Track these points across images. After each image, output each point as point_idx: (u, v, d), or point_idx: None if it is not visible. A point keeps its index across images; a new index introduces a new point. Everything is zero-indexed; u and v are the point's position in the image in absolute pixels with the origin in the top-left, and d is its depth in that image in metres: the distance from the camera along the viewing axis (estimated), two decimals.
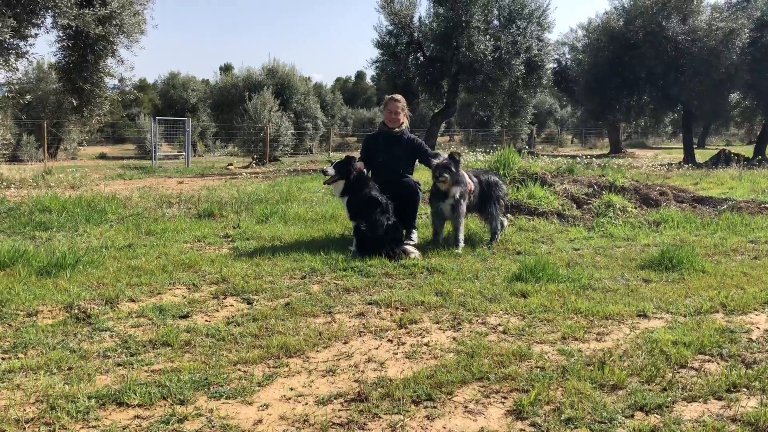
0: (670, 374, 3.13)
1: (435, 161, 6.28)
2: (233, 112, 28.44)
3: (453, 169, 6.21)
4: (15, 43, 12.07)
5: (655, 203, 8.89)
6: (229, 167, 21.52)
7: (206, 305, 4.38)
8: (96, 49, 12.88)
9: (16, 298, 4.40)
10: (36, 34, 12.51)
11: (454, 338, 3.70)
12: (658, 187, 9.76)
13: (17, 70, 12.88)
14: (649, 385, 3.01)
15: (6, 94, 12.81)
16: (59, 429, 2.57)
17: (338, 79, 67.04)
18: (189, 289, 4.84)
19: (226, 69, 45.20)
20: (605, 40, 25.14)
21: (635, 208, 8.57)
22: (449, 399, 2.87)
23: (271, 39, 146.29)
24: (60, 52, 13.34)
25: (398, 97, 6.84)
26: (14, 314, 4.12)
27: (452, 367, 3.18)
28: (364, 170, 6.52)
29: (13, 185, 12.34)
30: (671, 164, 20.08)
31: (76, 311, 4.16)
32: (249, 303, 4.46)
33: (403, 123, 6.79)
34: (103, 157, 31.71)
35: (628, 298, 4.54)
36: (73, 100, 13.36)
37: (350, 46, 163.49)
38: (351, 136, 43.22)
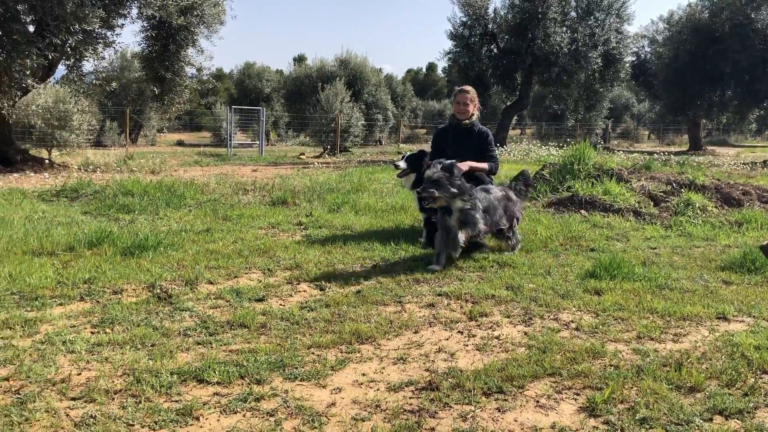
0: (752, 379, 3.02)
1: (427, 173, 5.39)
2: (306, 102, 28.90)
3: (446, 182, 5.21)
4: (103, 32, 12.68)
5: (737, 203, 8.53)
6: (301, 157, 21.89)
7: (281, 290, 4.50)
8: (177, 39, 13.36)
9: (103, 277, 4.65)
10: (122, 25, 13.10)
11: (525, 333, 3.68)
12: (740, 187, 9.35)
13: (104, 58, 13.53)
14: (729, 389, 2.92)
15: (94, 81, 13.45)
16: (144, 401, 2.70)
17: (409, 71, 67.08)
18: (264, 273, 4.98)
19: (299, 60, 45.88)
20: (688, 33, 24.25)
21: (716, 207, 8.25)
22: (520, 393, 2.87)
23: (344, 30, 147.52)
24: (144, 42, 13.93)
25: (467, 88, 6.76)
26: (101, 291, 4.35)
27: (523, 362, 3.17)
28: None
29: (99, 169, 12.94)
30: (755, 163, 19.19)
31: (158, 291, 4.35)
32: (321, 289, 4.55)
33: (473, 115, 6.70)
34: (180, 144, 32.82)
35: (707, 300, 4.39)
36: (155, 88, 13.90)
37: (422, 37, 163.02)
38: (420, 128, 43.19)
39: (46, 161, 14.16)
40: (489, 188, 5.88)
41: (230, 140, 23.48)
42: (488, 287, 4.58)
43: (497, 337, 3.60)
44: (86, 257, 5.22)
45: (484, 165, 6.44)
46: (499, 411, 2.69)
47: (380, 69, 34.63)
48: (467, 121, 6.59)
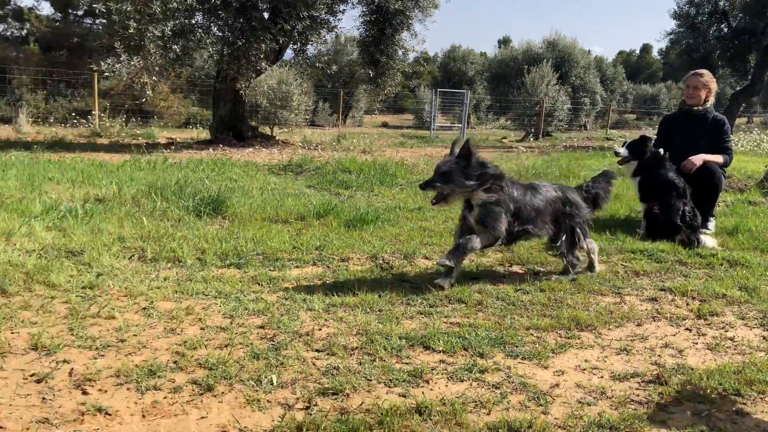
0: None
1: (438, 162, 4.25)
2: (509, 85, 28.62)
3: (460, 174, 4.05)
4: (327, 18, 13.55)
5: None
6: (503, 140, 21.78)
7: (493, 270, 4.59)
8: (393, 23, 13.88)
9: (331, 245, 5.06)
10: (344, 10, 13.92)
11: (764, 337, 3.41)
12: None
13: (326, 43, 14.46)
14: None
15: (317, 64, 14.46)
16: (379, 360, 2.94)
17: (620, 53, 63.45)
18: (476, 253, 5.09)
19: (504, 42, 45.50)
20: None
21: None
22: (761, 398, 2.68)
23: (552, 11, 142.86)
24: (362, 27, 14.64)
25: (702, 71, 6.28)
26: (331, 258, 4.75)
27: (763, 366, 2.95)
28: (661, 151, 6.16)
29: (320, 147, 13.95)
30: None
31: (381, 261, 4.65)
32: (534, 273, 4.56)
33: (707, 101, 6.21)
34: (384, 125, 34.15)
35: None
36: (370, 71, 14.58)
37: (636, 17, 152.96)
38: (630, 113, 40.77)
39: (276, 138, 15.52)
40: (538, 185, 4.47)
41: (433, 123, 23.99)
42: (718, 286, 4.29)
43: (731, 339, 3.38)
44: (315, 227, 5.70)
45: (719, 158, 5.97)
46: (738, 414, 2.55)
47: (589, 51, 33.16)
48: (699, 107, 6.14)
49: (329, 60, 15.24)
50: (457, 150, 4.15)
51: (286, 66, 17.38)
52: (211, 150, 12.68)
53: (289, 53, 14.71)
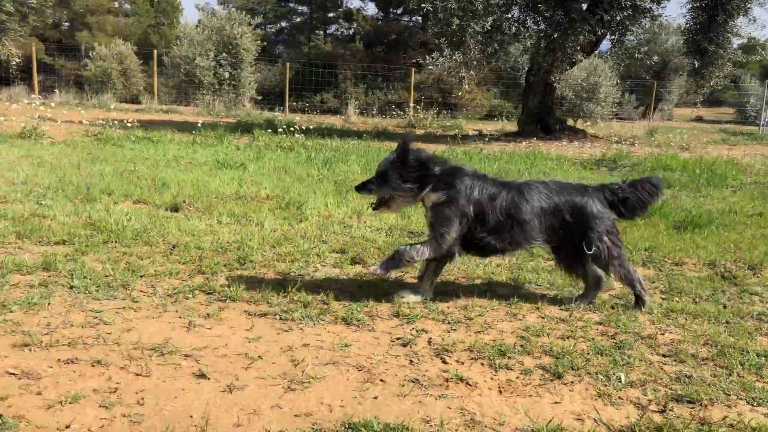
0: None
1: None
2: None
3: (396, 175, 3.49)
4: (649, 7, 12.80)
5: None
6: None
7: None
8: (727, 8, 12.58)
9: (661, 247, 4.84)
10: None
11: None
12: None
13: (645, 33, 13.68)
14: None
15: (636, 55, 13.76)
16: (736, 375, 2.75)
17: None
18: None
19: None
20: None
21: None
22: None
23: None
24: (688, 13, 13.53)
25: None
26: (662, 261, 4.55)
27: None
28: None
29: (636, 141, 13.33)
30: None
31: (722, 270, 4.31)
32: None
33: None
34: (699, 119, 31.16)
35: None
36: (695, 61, 13.44)
37: None
38: None
39: (584, 131, 15.21)
40: (530, 186, 3.57)
41: (763, 118, 21.25)
42: None
43: None
44: (639, 226, 5.48)
45: None
46: None
47: None
48: None
49: (649, 50, 14.38)
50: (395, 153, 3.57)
51: (600, 57, 16.84)
52: (520, 142, 12.90)
53: (604, 44, 14.25)
